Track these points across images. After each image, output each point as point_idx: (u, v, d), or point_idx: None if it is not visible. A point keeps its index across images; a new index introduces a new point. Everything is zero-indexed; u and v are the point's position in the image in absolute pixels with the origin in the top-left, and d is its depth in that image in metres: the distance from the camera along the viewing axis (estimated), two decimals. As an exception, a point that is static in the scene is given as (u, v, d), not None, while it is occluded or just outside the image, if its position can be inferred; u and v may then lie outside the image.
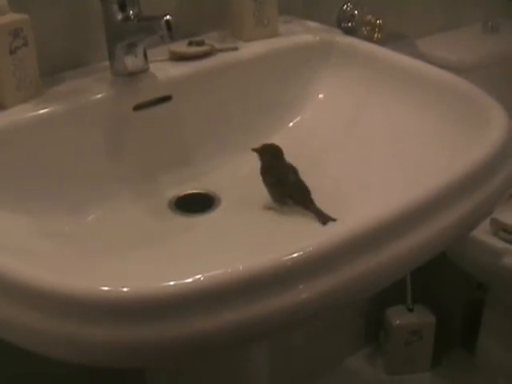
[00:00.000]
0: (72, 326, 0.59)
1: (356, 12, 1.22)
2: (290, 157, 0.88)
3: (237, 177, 0.93)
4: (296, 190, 0.87)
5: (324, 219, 0.82)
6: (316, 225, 0.82)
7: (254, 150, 0.89)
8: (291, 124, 1.03)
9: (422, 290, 1.59)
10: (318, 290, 0.63)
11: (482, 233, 1.35)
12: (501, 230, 1.35)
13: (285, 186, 0.87)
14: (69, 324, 0.59)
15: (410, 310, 1.59)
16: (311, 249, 0.63)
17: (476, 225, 0.82)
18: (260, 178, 0.88)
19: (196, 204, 0.90)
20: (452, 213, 0.74)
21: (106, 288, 0.59)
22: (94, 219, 0.85)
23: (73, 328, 0.59)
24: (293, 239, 0.73)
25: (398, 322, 1.58)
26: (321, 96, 1.04)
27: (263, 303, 0.60)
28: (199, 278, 0.59)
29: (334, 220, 0.81)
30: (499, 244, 1.35)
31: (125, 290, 0.59)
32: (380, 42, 1.18)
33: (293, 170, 0.88)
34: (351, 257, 0.65)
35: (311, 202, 0.86)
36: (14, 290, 0.62)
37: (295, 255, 0.62)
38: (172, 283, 0.59)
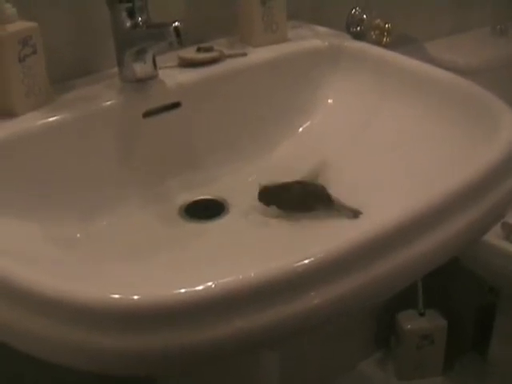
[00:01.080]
0: (82, 333, 0.59)
1: (365, 16, 1.22)
2: (298, 161, 0.88)
3: (247, 183, 0.93)
4: (317, 195, 0.86)
5: (354, 212, 0.83)
6: (326, 230, 0.82)
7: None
8: (301, 129, 1.03)
9: (433, 295, 1.59)
10: (330, 296, 0.63)
11: (494, 236, 1.35)
12: (512, 233, 1.34)
13: (307, 199, 0.86)
14: (78, 331, 0.59)
15: (422, 315, 1.58)
16: (322, 255, 0.63)
17: (488, 229, 0.81)
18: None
19: (206, 210, 0.90)
20: (463, 217, 0.73)
21: (116, 296, 0.59)
22: (105, 225, 0.85)
23: (83, 335, 0.59)
24: (304, 245, 0.73)
25: (409, 326, 1.57)
26: (330, 101, 1.04)
27: (275, 310, 0.60)
28: (210, 286, 0.59)
29: (360, 213, 0.82)
30: (511, 248, 1.34)
31: (135, 297, 0.58)
32: (389, 46, 1.17)
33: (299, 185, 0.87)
34: (363, 262, 0.65)
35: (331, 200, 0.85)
36: (24, 297, 0.62)
37: (306, 261, 0.62)
38: (183, 291, 0.59)
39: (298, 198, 0.86)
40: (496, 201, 0.77)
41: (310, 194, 0.87)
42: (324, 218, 0.85)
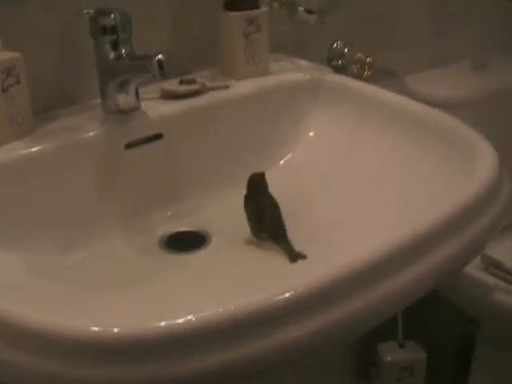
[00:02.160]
0: (60, 366, 0.59)
1: (346, 50, 1.23)
2: (280, 194, 0.88)
3: (228, 214, 0.94)
4: (270, 225, 0.87)
5: (293, 256, 0.83)
6: (307, 262, 0.82)
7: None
8: (282, 162, 1.04)
9: (413, 326, 1.59)
10: (310, 329, 0.63)
11: (473, 268, 1.36)
12: (491, 265, 1.35)
13: (261, 220, 0.87)
14: (59, 364, 0.59)
15: (402, 346, 1.58)
16: (303, 288, 0.63)
17: (467, 262, 0.83)
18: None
19: (187, 242, 0.90)
20: (443, 250, 0.74)
21: (96, 328, 0.59)
22: (84, 257, 0.85)
23: (63, 368, 0.59)
24: (284, 278, 0.74)
25: (389, 358, 1.56)
26: (311, 133, 1.05)
27: (255, 343, 0.60)
28: (190, 318, 0.59)
29: (304, 257, 0.83)
30: (490, 279, 1.35)
31: (115, 330, 0.59)
32: (370, 80, 1.19)
33: (273, 205, 0.88)
34: (342, 296, 0.66)
35: (283, 237, 0.86)
36: (2, 328, 0.61)
37: (287, 295, 0.62)
38: (163, 323, 0.59)
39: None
40: (476, 233, 0.78)
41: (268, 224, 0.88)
42: (302, 250, 0.85)
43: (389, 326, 1.54)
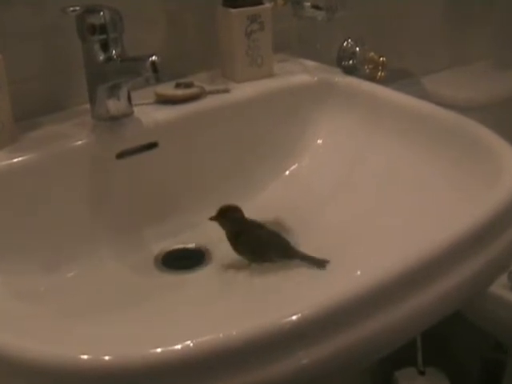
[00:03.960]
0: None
1: (357, 49, 1.23)
2: (284, 208, 0.89)
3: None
4: (280, 250, 0.87)
5: (319, 264, 0.84)
6: (314, 281, 0.82)
7: (212, 218, 0.88)
8: (287, 172, 1.04)
9: (434, 351, 1.58)
10: (320, 356, 0.63)
11: (500, 287, 1.35)
12: (520, 284, 1.35)
13: (265, 251, 0.88)
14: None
15: (422, 373, 1.58)
16: (311, 310, 0.63)
17: (492, 280, 0.82)
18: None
19: (185, 260, 0.90)
20: (465, 267, 0.74)
21: (85, 356, 0.58)
22: (72, 278, 0.85)
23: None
24: (291, 299, 0.73)
25: (408, 386, 1.56)
26: (319, 141, 1.05)
27: (259, 372, 0.60)
28: (188, 344, 0.59)
29: (327, 262, 0.84)
30: (518, 299, 1.34)
31: (106, 358, 0.58)
32: (383, 81, 1.19)
33: (272, 232, 0.89)
34: (355, 318, 0.65)
35: (294, 251, 0.87)
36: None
37: (294, 318, 0.62)
38: (159, 350, 0.59)
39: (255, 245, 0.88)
40: (502, 248, 0.78)
41: (268, 243, 0.88)
42: (305, 268, 0.85)
43: (407, 350, 1.53)
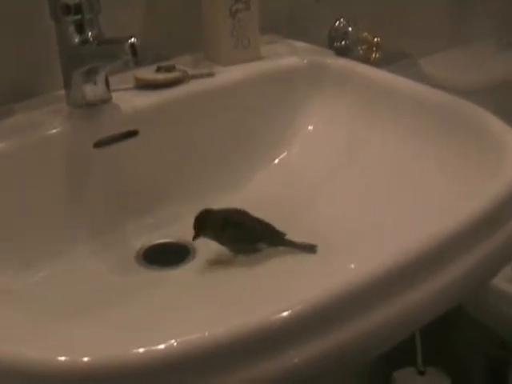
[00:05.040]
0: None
1: (350, 29, 1.24)
2: (273, 199, 0.89)
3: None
4: (261, 230, 0.89)
5: (308, 249, 0.86)
6: (305, 275, 0.83)
7: (195, 238, 0.88)
8: (277, 161, 1.04)
9: (434, 349, 1.59)
10: (312, 354, 0.64)
11: (503, 280, 1.35)
12: (525, 276, 1.36)
13: (247, 232, 0.88)
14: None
15: (421, 373, 1.58)
16: (302, 306, 0.63)
17: (495, 273, 0.83)
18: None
19: (168, 255, 0.91)
20: (466, 259, 0.75)
21: (63, 358, 0.59)
22: (48, 275, 0.85)
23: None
24: (281, 294, 0.74)
25: (407, 387, 1.57)
26: (310, 128, 1.06)
27: (247, 371, 0.60)
28: (172, 343, 0.59)
29: (315, 246, 0.86)
30: (524, 293, 1.35)
31: (85, 359, 0.58)
32: (378, 63, 1.19)
33: (239, 213, 0.89)
34: (349, 314, 0.66)
35: (281, 237, 0.88)
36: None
37: (285, 314, 0.62)
38: (141, 350, 0.59)
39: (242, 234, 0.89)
40: (503, 241, 0.78)
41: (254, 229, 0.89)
42: (295, 261, 0.86)
43: (406, 349, 1.54)
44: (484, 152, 0.87)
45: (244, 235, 0.88)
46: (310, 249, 0.86)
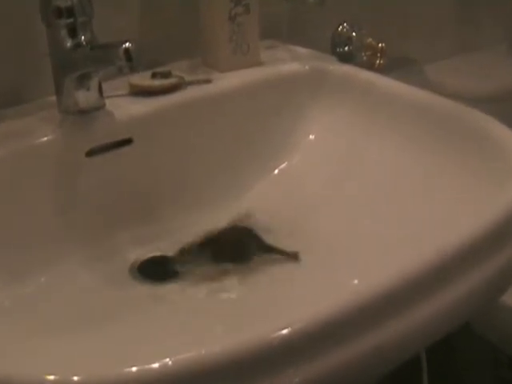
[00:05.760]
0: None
1: (354, 34, 1.24)
2: (272, 210, 0.89)
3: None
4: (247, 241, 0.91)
5: (291, 256, 0.87)
6: (306, 290, 0.82)
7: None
8: (276, 171, 1.04)
9: (440, 369, 1.59)
10: (313, 374, 0.63)
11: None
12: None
13: (235, 245, 0.91)
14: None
15: (427, 394, 1.58)
16: (303, 323, 0.63)
17: (504, 290, 0.83)
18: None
19: (163, 269, 0.91)
20: (473, 276, 0.74)
21: (52, 377, 0.58)
22: (37, 289, 0.85)
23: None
24: (281, 310, 0.74)
25: (412, 409, 1.57)
26: (312, 137, 1.06)
27: (245, 392, 0.60)
28: (167, 362, 0.59)
29: (297, 252, 0.88)
30: (533, 311, 1.35)
31: (75, 378, 0.58)
32: (382, 69, 1.20)
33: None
34: (352, 332, 0.66)
35: (265, 244, 0.90)
36: None
37: (285, 332, 0.62)
38: (134, 369, 0.59)
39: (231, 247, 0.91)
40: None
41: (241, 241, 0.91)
42: (295, 275, 0.86)
43: (411, 370, 1.54)
44: (493, 162, 0.87)
45: (229, 248, 0.91)
46: (293, 256, 0.87)
